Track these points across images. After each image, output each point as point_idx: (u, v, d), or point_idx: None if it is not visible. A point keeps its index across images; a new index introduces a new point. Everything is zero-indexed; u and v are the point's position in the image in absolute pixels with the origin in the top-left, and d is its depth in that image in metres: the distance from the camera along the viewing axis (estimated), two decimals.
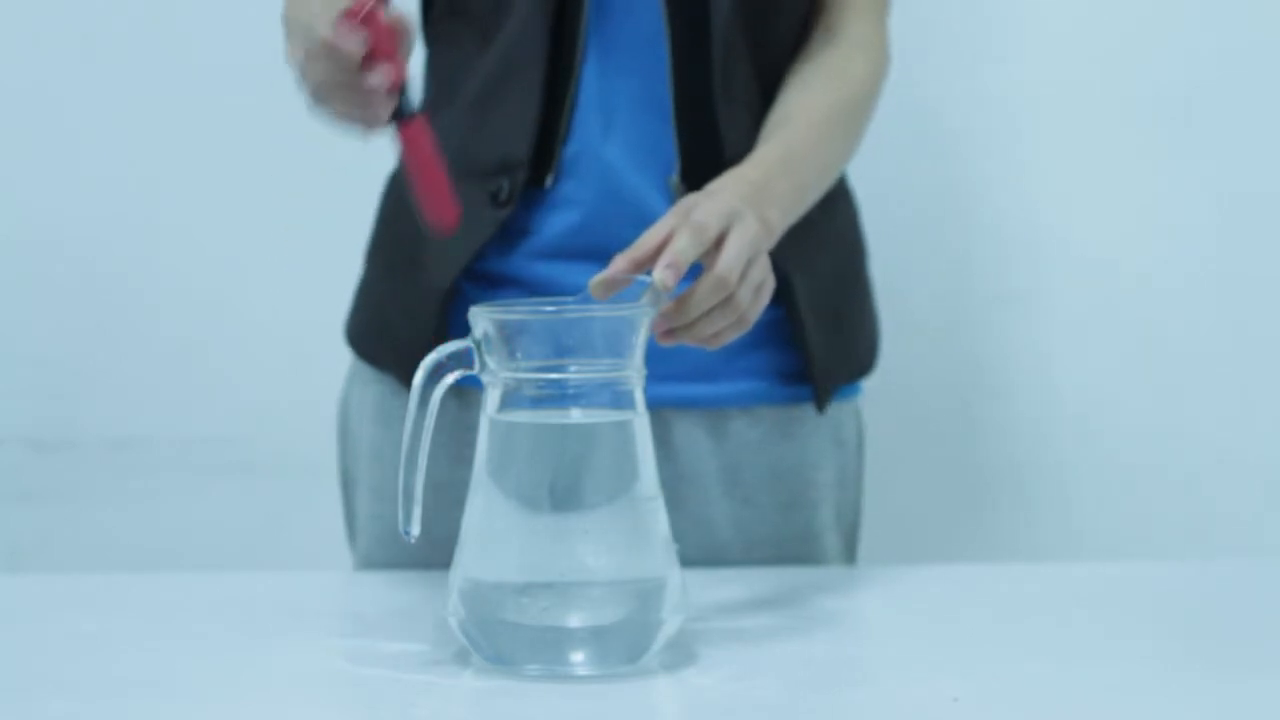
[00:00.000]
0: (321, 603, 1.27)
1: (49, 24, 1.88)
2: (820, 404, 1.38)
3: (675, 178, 1.33)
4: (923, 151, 1.84)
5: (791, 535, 1.39)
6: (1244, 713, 1.00)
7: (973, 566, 1.35)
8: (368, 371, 1.43)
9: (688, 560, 1.36)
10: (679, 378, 1.35)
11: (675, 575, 1.06)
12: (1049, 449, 1.87)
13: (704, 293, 1.13)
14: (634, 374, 1.06)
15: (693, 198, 1.19)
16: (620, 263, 1.12)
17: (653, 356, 1.09)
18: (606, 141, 1.34)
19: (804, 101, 1.33)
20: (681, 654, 1.08)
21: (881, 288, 1.48)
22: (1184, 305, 1.85)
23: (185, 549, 1.88)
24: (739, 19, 1.33)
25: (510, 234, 1.34)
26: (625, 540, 1.03)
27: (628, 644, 1.04)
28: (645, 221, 1.21)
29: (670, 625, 1.05)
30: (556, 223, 1.34)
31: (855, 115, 1.36)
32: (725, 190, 1.20)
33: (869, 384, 1.46)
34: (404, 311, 1.38)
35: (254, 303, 1.89)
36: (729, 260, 1.13)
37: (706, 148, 1.33)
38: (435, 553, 1.19)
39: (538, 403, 1.06)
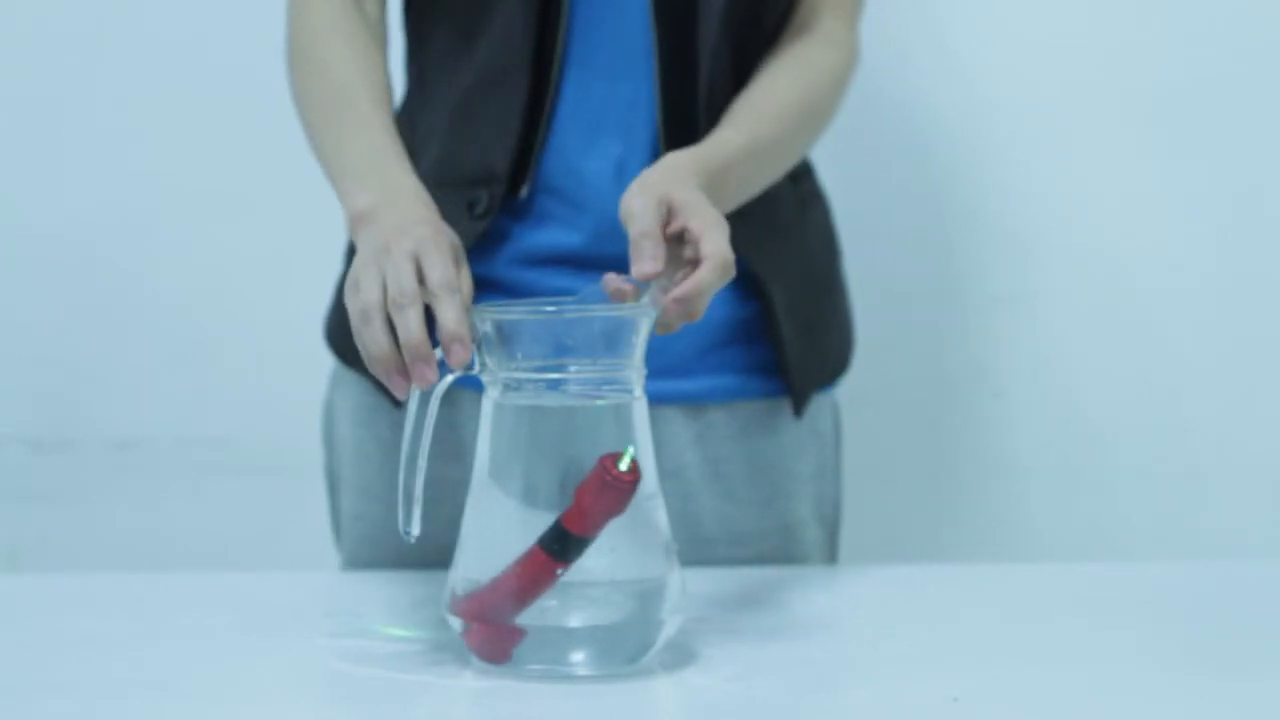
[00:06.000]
0: (322, 603, 1.27)
1: (49, 25, 1.88)
2: (798, 409, 1.39)
3: None
4: (922, 151, 1.84)
5: (773, 529, 1.39)
6: (1243, 713, 1.00)
7: (973, 566, 1.35)
8: (347, 372, 1.42)
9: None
10: (657, 373, 1.35)
11: (675, 575, 1.06)
12: (1048, 449, 1.87)
13: (710, 282, 1.10)
14: (634, 374, 1.06)
15: (667, 191, 1.13)
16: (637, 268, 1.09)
17: None
18: (587, 154, 1.33)
19: (770, 93, 1.32)
20: (681, 654, 1.08)
21: (879, 287, 1.48)
22: (1183, 305, 1.85)
23: (185, 549, 1.88)
24: (726, 33, 1.32)
25: (488, 240, 1.33)
26: (625, 540, 1.03)
27: (628, 644, 1.04)
28: (624, 236, 1.20)
29: (670, 625, 1.05)
30: (535, 233, 1.34)
31: (818, 110, 1.35)
32: (693, 187, 1.16)
33: (871, 386, 1.46)
34: None
35: (254, 303, 1.89)
36: (727, 257, 1.10)
37: None
38: (420, 551, 1.19)
39: None
